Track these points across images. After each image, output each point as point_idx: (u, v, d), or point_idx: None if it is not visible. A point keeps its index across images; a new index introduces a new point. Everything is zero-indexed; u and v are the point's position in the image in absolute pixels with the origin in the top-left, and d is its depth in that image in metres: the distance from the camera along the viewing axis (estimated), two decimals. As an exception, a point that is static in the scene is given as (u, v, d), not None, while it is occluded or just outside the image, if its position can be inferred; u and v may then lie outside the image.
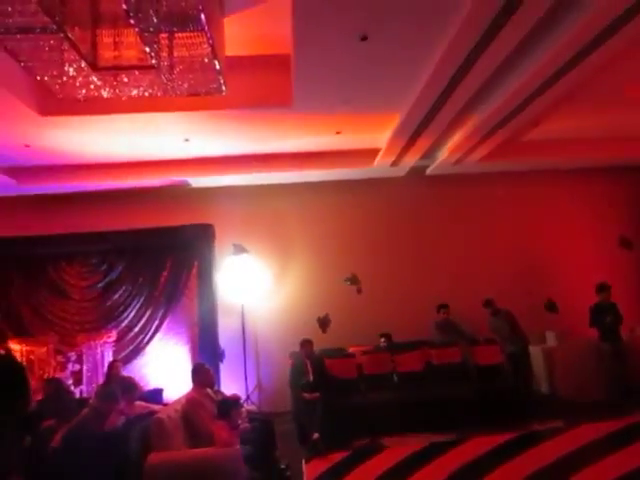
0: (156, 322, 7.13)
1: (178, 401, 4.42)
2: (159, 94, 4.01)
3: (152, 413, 4.08)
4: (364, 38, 3.85)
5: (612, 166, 8.01)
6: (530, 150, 7.18)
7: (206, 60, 3.72)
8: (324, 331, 7.28)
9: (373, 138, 6.37)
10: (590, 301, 6.80)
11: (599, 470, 4.18)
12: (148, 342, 7.10)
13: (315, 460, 4.86)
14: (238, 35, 4.23)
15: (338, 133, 6.14)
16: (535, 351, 6.99)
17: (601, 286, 6.68)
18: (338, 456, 4.90)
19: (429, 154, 6.95)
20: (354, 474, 4.53)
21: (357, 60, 4.26)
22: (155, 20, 3.23)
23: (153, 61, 3.60)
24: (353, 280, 7.57)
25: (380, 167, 7.12)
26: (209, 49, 3.55)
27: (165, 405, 5.19)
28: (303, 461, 4.83)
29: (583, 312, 6.83)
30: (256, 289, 7.05)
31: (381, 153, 6.62)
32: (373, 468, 4.61)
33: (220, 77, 3.93)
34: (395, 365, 6.48)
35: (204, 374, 4.75)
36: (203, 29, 3.30)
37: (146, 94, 4.09)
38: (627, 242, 8.04)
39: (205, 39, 3.44)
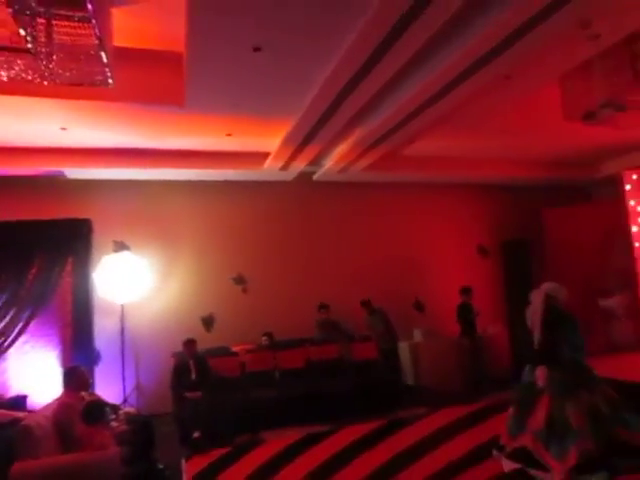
0: (21, 323, 6.50)
1: (48, 406, 4.15)
2: (36, 81, 3.76)
3: (16, 421, 3.80)
4: (257, 49, 4.00)
5: (475, 183, 9.10)
6: (407, 164, 7.91)
7: (92, 52, 3.56)
8: (208, 330, 7.28)
9: (263, 142, 6.54)
10: (452, 302, 7.71)
11: (453, 446, 4.78)
12: (10, 345, 6.45)
13: (195, 458, 4.87)
14: (132, 27, 4.10)
15: (229, 135, 6.20)
16: (403, 346, 7.72)
17: (464, 289, 7.62)
18: (219, 452, 4.96)
19: (316, 161, 7.30)
20: (233, 468, 4.64)
21: (250, 68, 4.39)
22: (33, 4, 3.05)
23: (29, 45, 3.38)
24: (239, 280, 7.65)
25: (269, 171, 7.31)
26: (95, 40, 3.42)
27: (30, 412, 4.82)
28: (183, 460, 4.82)
29: (445, 311, 7.70)
30: (138, 288, 6.80)
31: (271, 157, 6.81)
32: (252, 461, 4.73)
33: (107, 69, 3.79)
34: (277, 362, 6.72)
35: (78, 377, 4.50)
36: (89, 20, 3.18)
37: (19, 78, 3.80)
38: (484, 250, 9.21)
39: (91, 29, 3.31)
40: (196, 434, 5.23)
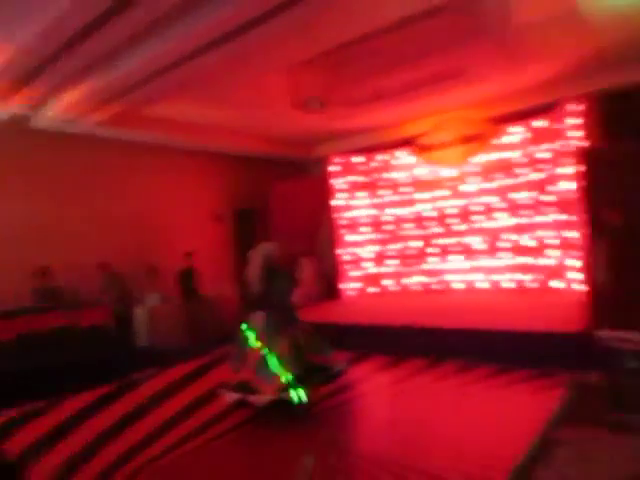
0: None
1: None
2: None
3: None
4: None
5: (214, 152, 9.51)
6: (148, 124, 7.69)
7: None
8: None
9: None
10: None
11: (185, 395, 5.21)
12: None
13: None
14: None
15: None
16: (138, 311, 7.68)
17: (187, 254, 7.99)
18: None
19: (39, 104, 6.36)
20: None
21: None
22: None
23: None
24: None
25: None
26: None
27: None
28: None
29: (180, 276, 7.98)
30: None
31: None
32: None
33: None
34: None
35: None
36: None
37: None
38: (219, 217, 9.81)
39: None
40: None
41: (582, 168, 5.66)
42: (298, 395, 4.08)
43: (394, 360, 5.87)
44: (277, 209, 9.64)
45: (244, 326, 4.47)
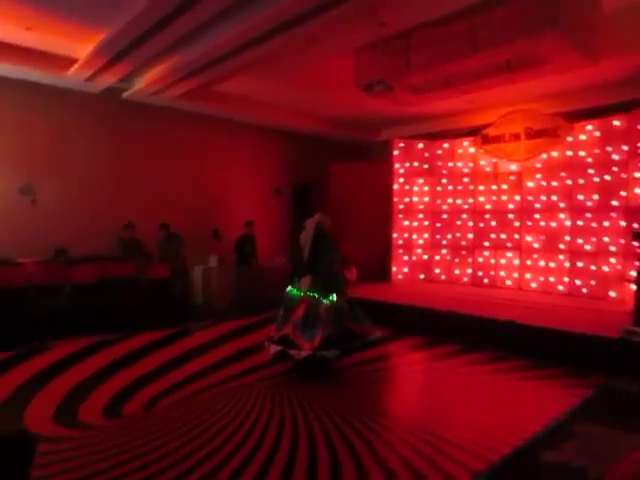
0: None
1: None
2: None
3: None
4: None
5: (276, 129, 10.00)
6: (220, 99, 8.27)
7: None
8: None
9: (70, 45, 6.10)
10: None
11: (236, 344, 5.84)
12: None
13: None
14: None
15: (28, 29, 5.63)
16: (198, 270, 8.36)
17: (247, 222, 8.50)
18: (-2, 357, 4.91)
19: (128, 78, 7.09)
20: (14, 371, 4.67)
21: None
22: None
23: None
24: (27, 190, 7.11)
25: (74, 79, 6.83)
26: None
27: None
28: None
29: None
30: None
31: (78, 64, 6.39)
32: (34, 365, 4.85)
33: None
34: (69, 276, 6.66)
35: None
36: None
37: None
38: (279, 191, 10.31)
39: None
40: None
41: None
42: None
43: (431, 341, 6.07)
44: (334, 187, 9.91)
45: (291, 287, 4.87)
